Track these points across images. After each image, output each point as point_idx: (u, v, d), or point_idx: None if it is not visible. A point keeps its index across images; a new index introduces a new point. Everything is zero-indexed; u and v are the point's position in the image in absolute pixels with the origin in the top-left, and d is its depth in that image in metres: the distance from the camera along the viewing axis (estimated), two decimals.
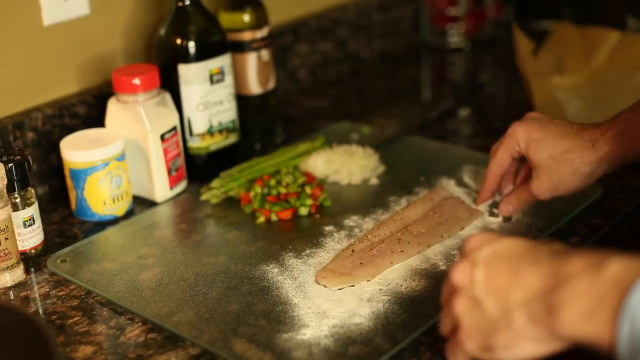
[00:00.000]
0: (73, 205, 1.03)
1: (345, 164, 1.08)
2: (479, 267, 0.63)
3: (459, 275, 0.65)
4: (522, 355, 0.61)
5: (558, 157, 0.88)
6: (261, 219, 1.00)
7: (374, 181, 1.08)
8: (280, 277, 0.87)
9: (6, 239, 0.88)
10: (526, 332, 0.60)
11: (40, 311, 0.86)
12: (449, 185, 1.03)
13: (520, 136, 0.91)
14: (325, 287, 0.84)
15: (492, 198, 0.97)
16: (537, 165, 0.89)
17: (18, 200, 0.92)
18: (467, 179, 1.05)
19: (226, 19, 1.16)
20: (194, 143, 1.11)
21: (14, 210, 0.91)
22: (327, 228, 0.97)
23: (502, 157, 0.93)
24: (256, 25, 1.17)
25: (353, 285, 0.84)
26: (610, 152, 0.86)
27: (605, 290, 0.54)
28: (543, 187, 0.90)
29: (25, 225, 0.93)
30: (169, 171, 1.06)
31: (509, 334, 0.61)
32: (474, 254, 0.65)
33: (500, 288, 0.61)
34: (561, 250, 0.61)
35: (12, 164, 0.91)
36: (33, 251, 0.95)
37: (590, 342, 0.55)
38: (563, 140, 0.88)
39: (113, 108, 1.06)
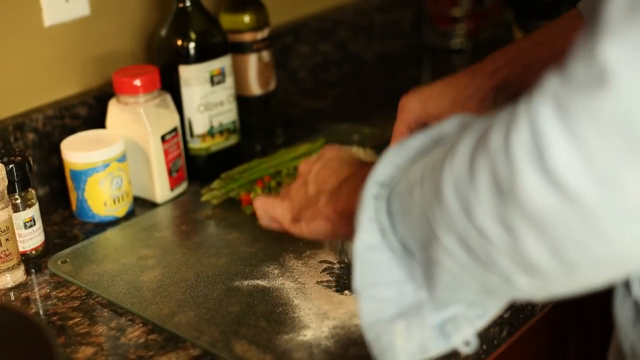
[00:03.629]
0: (74, 206, 1.03)
1: None
2: (319, 163, 0.76)
3: (306, 165, 0.77)
4: (315, 230, 0.73)
5: (459, 97, 0.86)
6: None
7: None
8: (280, 278, 0.87)
9: (7, 240, 0.88)
10: (322, 211, 0.72)
11: (41, 312, 0.86)
12: None
13: (413, 104, 0.87)
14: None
15: None
16: (443, 115, 0.85)
17: (19, 201, 0.92)
18: None
19: (227, 20, 1.16)
20: (195, 144, 1.11)
21: (14, 212, 0.91)
22: None
23: (400, 133, 0.89)
24: (257, 26, 1.17)
25: None
26: (506, 78, 0.86)
27: (368, 173, 0.64)
28: None
29: (25, 227, 0.93)
30: (170, 172, 1.06)
31: (313, 210, 0.73)
32: (323, 155, 0.77)
33: (323, 178, 0.74)
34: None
35: (12, 165, 0.91)
36: (34, 252, 0.95)
37: (355, 212, 0.64)
38: (458, 81, 0.86)
39: (114, 109, 1.06)
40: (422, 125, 0.89)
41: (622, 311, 0.71)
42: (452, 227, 0.52)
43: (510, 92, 0.86)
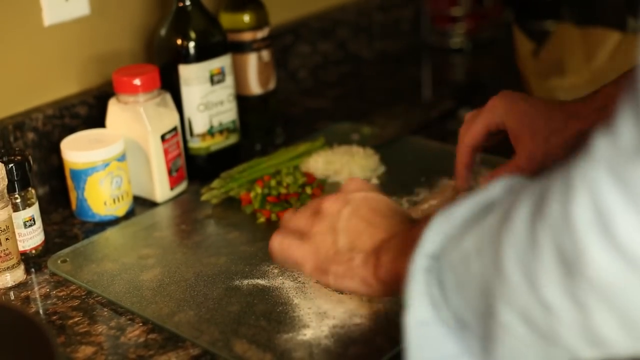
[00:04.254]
0: (73, 206, 1.03)
1: (345, 165, 1.08)
2: (349, 206, 0.72)
3: (332, 204, 0.73)
4: (346, 288, 0.72)
5: (545, 131, 0.84)
6: (262, 220, 1.00)
7: (374, 182, 1.08)
8: (280, 277, 0.87)
9: (7, 239, 0.88)
10: (358, 272, 0.70)
11: (41, 311, 0.86)
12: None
13: (502, 108, 0.86)
14: None
15: (470, 175, 0.91)
16: (522, 139, 0.85)
17: (18, 200, 0.92)
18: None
19: (227, 19, 1.16)
20: (195, 143, 1.11)
21: (14, 211, 0.91)
22: None
23: (478, 129, 0.88)
24: (257, 25, 1.17)
25: None
26: (595, 124, 0.83)
27: (412, 237, 0.63)
28: (531, 160, 0.85)
29: (25, 226, 0.93)
30: (170, 171, 1.06)
31: (346, 268, 0.70)
32: (350, 194, 0.74)
33: (356, 230, 0.71)
34: (413, 216, 0.74)
35: (12, 165, 0.91)
36: (33, 251, 0.95)
37: (398, 281, 0.64)
38: (548, 113, 0.85)
39: (113, 108, 1.06)
40: (499, 131, 0.88)
41: None
42: (514, 301, 0.50)
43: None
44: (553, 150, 0.85)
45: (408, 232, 0.68)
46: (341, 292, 0.82)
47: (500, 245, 0.51)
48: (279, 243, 0.76)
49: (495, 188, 0.58)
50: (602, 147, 0.46)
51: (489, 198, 0.57)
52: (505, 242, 0.51)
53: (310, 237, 0.74)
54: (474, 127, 0.89)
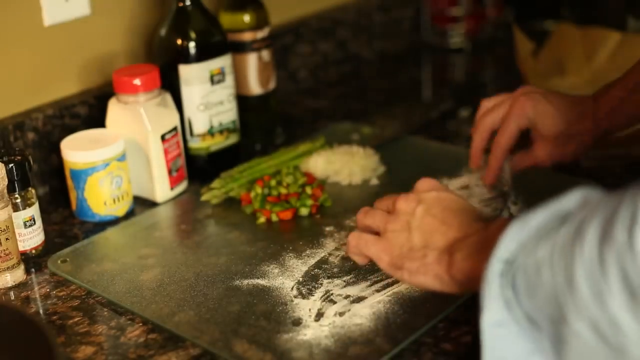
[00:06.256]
0: (74, 206, 1.03)
1: (345, 165, 1.08)
2: (422, 205, 0.75)
3: (406, 204, 0.76)
4: (420, 283, 0.73)
5: (567, 132, 0.95)
6: (262, 220, 1.00)
7: (374, 182, 1.08)
8: (280, 277, 0.87)
9: (7, 239, 0.88)
10: (431, 268, 0.72)
11: (41, 311, 0.86)
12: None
13: (530, 110, 0.95)
14: None
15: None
16: (545, 139, 0.95)
17: (19, 200, 0.92)
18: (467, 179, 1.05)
19: (227, 19, 1.16)
20: (195, 143, 1.11)
21: (14, 211, 0.91)
22: (327, 228, 0.97)
23: (512, 131, 0.96)
24: (257, 25, 1.17)
25: None
26: (610, 126, 0.96)
27: (486, 239, 0.67)
28: (550, 156, 0.97)
29: (25, 226, 0.93)
30: (170, 171, 1.06)
31: (419, 264, 0.73)
32: (423, 193, 0.76)
33: (429, 228, 0.74)
34: (484, 215, 0.74)
35: (12, 165, 0.91)
36: (34, 251, 0.95)
37: (471, 278, 0.68)
38: (568, 115, 0.94)
39: (114, 108, 1.06)
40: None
41: None
42: (585, 313, 0.53)
43: (611, 135, 0.98)
44: (568, 153, 0.97)
45: (481, 232, 0.70)
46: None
47: (572, 259, 0.53)
48: (356, 239, 0.78)
49: (570, 199, 0.59)
50: None
51: (564, 209, 0.59)
52: (576, 258, 0.53)
53: (385, 234, 0.76)
54: (507, 129, 0.96)
